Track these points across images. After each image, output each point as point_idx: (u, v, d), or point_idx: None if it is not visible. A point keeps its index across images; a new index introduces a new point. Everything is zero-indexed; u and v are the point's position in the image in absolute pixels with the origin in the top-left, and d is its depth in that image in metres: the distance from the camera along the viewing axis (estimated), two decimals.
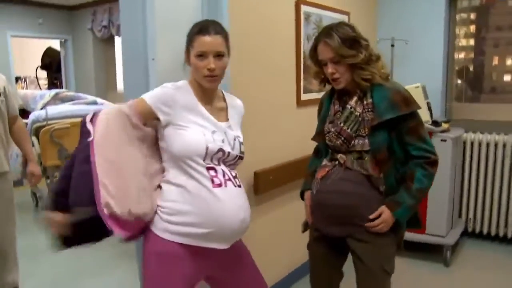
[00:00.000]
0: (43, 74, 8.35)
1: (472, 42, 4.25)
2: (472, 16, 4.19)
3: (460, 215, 3.92)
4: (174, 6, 2.17)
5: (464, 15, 4.18)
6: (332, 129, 1.86)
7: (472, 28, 4.24)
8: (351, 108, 1.82)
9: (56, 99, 4.84)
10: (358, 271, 1.88)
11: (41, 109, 4.56)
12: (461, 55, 4.26)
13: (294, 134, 3.06)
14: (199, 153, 1.60)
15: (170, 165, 1.67)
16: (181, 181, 1.63)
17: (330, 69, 1.77)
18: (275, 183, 2.83)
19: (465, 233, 3.90)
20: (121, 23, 2.14)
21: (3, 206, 2.73)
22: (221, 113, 1.77)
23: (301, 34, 3.03)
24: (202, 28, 1.62)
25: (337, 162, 1.86)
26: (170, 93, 1.63)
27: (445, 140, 3.35)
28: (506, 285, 3.15)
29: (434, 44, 3.96)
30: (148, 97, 1.64)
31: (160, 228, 1.64)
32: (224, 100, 1.81)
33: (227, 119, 1.77)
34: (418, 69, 3.92)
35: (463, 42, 4.25)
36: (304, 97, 3.13)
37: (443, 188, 3.37)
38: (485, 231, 3.86)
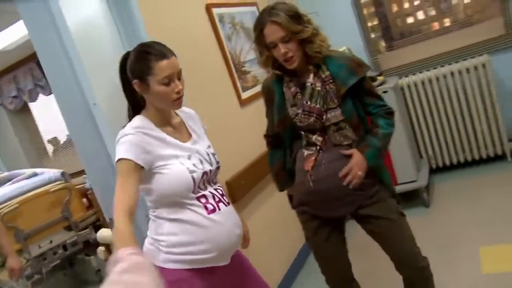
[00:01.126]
0: None
1: None
2: None
3: (421, 156, 4.07)
4: (93, 43, 2.10)
5: None
6: (299, 110, 1.83)
7: None
8: (311, 85, 1.81)
9: None
10: (380, 228, 1.90)
11: None
12: (365, 11, 4.42)
13: (246, 133, 3.04)
14: (188, 187, 1.58)
15: (160, 203, 1.62)
16: (176, 215, 1.60)
17: (282, 49, 1.73)
18: (248, 186, 2.82)
19: (431, 171, 4.05)
20: (49, 80, 2.03)
21: None
22: (182, 129, 1.73)
23: (221, 36, 3.03)
24: (157, 52, 1.54)
25: (317, 147, 1.85)
26: (140, 139, 1.54)
27: (386, 91, 3.46)
28: (484, 202, 3.32)
29: (343, 7, 4.12)
30: (126, 154, 1.50)
31: (162, 260, 1.60)
32: (177, 114, 1.77)
33: (190, 135, 1.73)
34: (337, 34, 3.98)
35: None
36: (245, 95, 3.13)
37: (400, 136, 3.47)
38: (447, 163, 4.03)
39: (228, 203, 1.71)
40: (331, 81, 1.80)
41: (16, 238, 3.95)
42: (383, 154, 1.88)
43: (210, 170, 1.66)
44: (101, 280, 4.34)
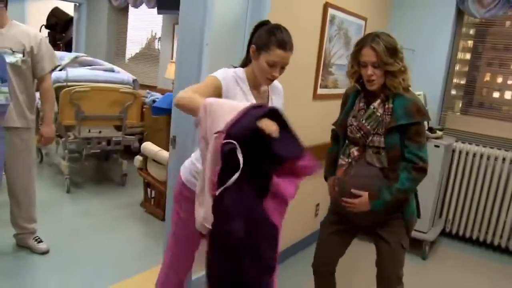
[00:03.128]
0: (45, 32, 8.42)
1: (468, 56, 4.57)
2: (472, 31, 4.49)
3: (440, 215, 4.30)
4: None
5: (464, 30, 4.46)
6: (355, 123, 2.15)
7: (470, 43, 4.54)
8: (374, 108, 2.11)
9: (74, 62, 5.04)
10: (381, 249, 2.23)
11: (60, 70, 4.75)
12: (457, 67, 4.58)
13: (311, 124, 3.38)
14: None
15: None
16: None
17: (369, 71, 2.03)
18: None
19: (443, 233, 4.29)
20: (181, 5, 2.38)
21: (22, 157, 3.01)
22: (264, 97, 2.05)
23: (325, 34, 3.32)
24: (283, 43, 1.85)
25: (350, 159, 2.17)
26: (233, 81, 1.89)
27: (438, 146, 3.71)
28: (474, 280, 3.55)
29: (438, 55, 4.28)
30: (217, 75, 1.86)
31: (186, 179, 1.98)
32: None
33: (268, 103, 2.05)
34: (421, 77, 4.21)
35: (460, 55, 4.57)
36: (320, 91, 3.44)
37: (430, 189, 3.73)
38: (461, 233, 4.25)
39: None
40: (389, 113, 2.08)
41: (75, 115, 4.42)
42: (390, 206, 2.07)
43: None
44: (123, 184, 4.80)
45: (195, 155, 2.02)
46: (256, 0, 2.61)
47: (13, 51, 2.80)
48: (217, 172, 1.46)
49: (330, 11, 3.33)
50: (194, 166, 1.98)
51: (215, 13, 2.33)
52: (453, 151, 4.17)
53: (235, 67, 1.98)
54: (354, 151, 2.16)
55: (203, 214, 1.53)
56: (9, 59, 2.76)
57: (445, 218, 4.30)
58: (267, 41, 1.85)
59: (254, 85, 1.98)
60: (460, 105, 4.59)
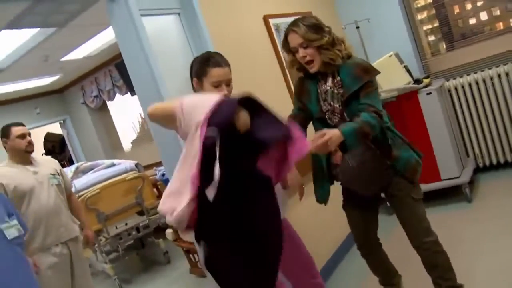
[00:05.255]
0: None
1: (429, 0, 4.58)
2: None
3: (468, 155, 4.24)
4: (168, 50, 2.55)
5: None
6: (329, 107, 2.17)
7: None
8: (330, 88, 2.15)
9: (78, 173, 5.20)
10: (395, 210, 2.28)
11: None
12: (424, 15, 4.60)
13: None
14: None
15: None
16: None
17: (301, 53, 2.10)
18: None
19: (478, 170, 4.22)
20: (132, 80, 2.51)
21: (82, 266, 3.17)
22: None
23: (277, 44, 3.40)
24: (214, 61, 1.96)
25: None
26: None
27: (430, 93, 3.70)
28: None
29: (393, 14, 4.31)
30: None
31: None
32: None
33: None
34: (387, 40, 4.26)
35: (421, 2, 4.59)
36: None
37: (443, 135, 3.70)
38: (494, 162, 4.17)
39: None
40: (340, 85, 2.12)
41: (98, 219, 4.53)
42: (360, 134, 1.95)
43: None
44: (168, 261, 4.85)
45: None
46: (197, 41, 2.72)
47: (54, 175, 3.13)
48: (197, 164, 1.42)
49: (272, 21, 3.42)
50: None
51: (163, 69, 2.44)
52: (449, 90, 4.15)
53: None
54: None
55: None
56: (54, 181, 3.10)
57: (474, 155, 4.23)
58: (203, 67, 1.95)
59: None
60: (444, 45, 4.60)
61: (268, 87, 3.21)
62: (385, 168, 2.16)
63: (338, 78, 2.12)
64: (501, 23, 4.36)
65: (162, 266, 5.00)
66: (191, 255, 4.32)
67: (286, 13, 3.62)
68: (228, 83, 2.00)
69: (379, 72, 2.13)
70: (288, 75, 3.44)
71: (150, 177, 5.42)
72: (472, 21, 4.52)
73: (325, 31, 2.09)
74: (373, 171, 2.14)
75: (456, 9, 4.59)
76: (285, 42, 2.18)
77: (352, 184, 2.25)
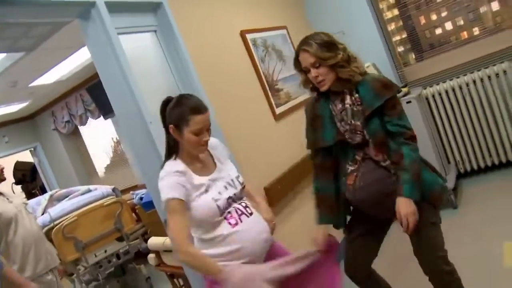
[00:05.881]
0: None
1: (396, 11, 4.64)
2: None
3: (449, 162, 4.26)
4: (147, 69, 2.47)
5: None
6: (347, 127, 2.03)
7: None
8: (350, 106, 2.03)
9: (52, 201, 4.99)
10: (411, 236, 2.07)
11: (42, 214, 4.71)
12: (392, 26, 4.66)
13: (281, 144, 3.37)
14: (214, 213, 1.87)
15: (195, 226, 1.93)
16: (208, 235, 1.91)
17: (313, 73, 1.99)
18: (284, 191, 3.13)
19: (460, 176, 4.24)
20: (112, 102, 2.40)
21: None
22: (209, 160, 2.02)
23: (255, 58, 3.36)
24: (194, 108, 1.84)
25: (357, 164, 2.06)
26: (180, 180, 1.83)
27: (410, 102, 3.71)
28: (508, 204, 3.45)
29: (367, 25, 4.34)
30: (173, 194, 1.80)
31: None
32: None
33: (215, 164, 2.02)
34: (363, 51, 4.23)
35: (388, 15, 4.65)
36: (278, 110, 3.44)
37: (426, 144, 3.71)
38: (475, 167, 4.20)
39: (251, 213, 1.97)
40: (359, 103, 2.00)
41: (76, 248, 4.34)
42: (416, 180, 1.93)
43: (235, 193, 1.95)
44: (151, 286, 4.68)
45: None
46: (177, 60, 2.65)
47: (26, 204, 3.15)
48: None
49: (249, 36, 3.38)
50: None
51: (145, 92, 2.35)
52: (426, 98, 4.18)
53: (162, 166, 1.93)
54: (357, 156, 2.06)
55: None
56: (29, 209, 3.16)
57: (455, 162, 4.25)
58: (182, 115, 1.83)
59: (193, 161, 1.95)
60: (414, 56, 4.65)
61: (248, 102, 3.16)
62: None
63: (357, 95, 2.02)
64: (465, 32, 4.44)
65: None
66: (175, 279, 4.18)
67: (262, 28, 3.60)
68: (208, 128, 1.90)
69: (399, 87, 2.05)
70: (268, 89, 3.39)
71: (128, 201, 5.26)
72: (438, 31, 4.59)
73: (339, 48, 1.98)
74: (383, 191, 2.02)
75: (422, 20, 4.66)
76: (297, 62, 2.07)
77: (361, 204, 2.11)
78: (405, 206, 1.91)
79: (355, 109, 2.01)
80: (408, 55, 4.69)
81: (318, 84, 2.03)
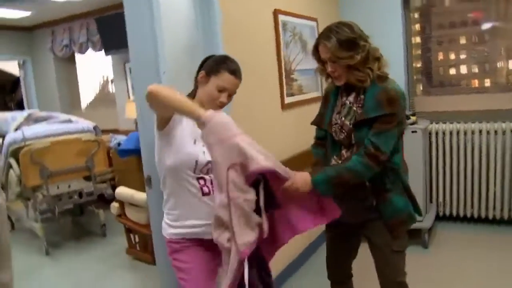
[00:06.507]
0: None
1: (418, 39, 4.59)
2: (417, 15, 4.50)
3: (431, 201, 4.24)
4: (173, 20, 2.32)
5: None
6: (338, 121, 2.01)
7: (418, 26, 4.55)
8: (350, 103, 1.98)
9: (29, 120, 4.80)
10: (371, 252, 2.10)
11: (16, 130, 4.53)
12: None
13: (284, 135, 3.29)
14: (190, 164, 1.81)
15: (167, 177, 1.89)
16: (177, 193, 1.87)
17: (329, 67, 1.93)
18: None
19: (437, 217, 4.22)
20: (130, 41, 2.25)
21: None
22: None
23: (280, 41, 3.24)
24: (233, 69, 1.85)
25: (341, 161, 2.01)
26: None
27: (415, 131, 3.65)
28: (478, 259, 3.47)
29: (394, 43, 4.25)
30: None
31: (167, 233, 1.94)
32: None
33: None
34: None
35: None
36: (288, 100, 3.34)
37: (418, 176, 3.66)
38: (454, 213, 4.19)
39: None
40: (360, 105, 1.95)
41: (40, 174, 4.20)
42: (335, 183, 1.88)
43: None
44: (104, 234, 4.60)
45: (163, 205, 1.98)
46: (206, 18, 2.52)
47: None
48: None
49: (281, 17, 3.26)
50: (167, 217, 1.96)
51: (166, 39, 2.22)
52: (430, 133, 4.13)
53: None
54: (344, 152, 2.02)
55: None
56: None
57: (436, 202, 4.24)
58: (218, 66, 1.85)
59: None
60: (421, 87, 4.61)
61: (261, 82, 3.05)
62: (367, 206, 2.00)
63: (362, 96, 1.94)
64: (476, 81, 4.42)
65: (97, 238, 4.71)
66: (131, 235, 4.08)
67: (295, 13, 3.48)
68: (232, 94, 1.89)
69: (404, 108, 1.94)
70: (284, 76, 3.29)
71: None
72: (452, 71, 4.55)
73: (360, 46, 1.86)
74: (355, 196, 1.99)
75: (440, 56, 4.61)
76: (315, 51, 1.99)
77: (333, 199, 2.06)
78: (303, 182, 1.86)
79: (353, 108, 1.96)
80: (416, 85, 4.64)
81: (334, 79, 1.98)
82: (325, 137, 2.15)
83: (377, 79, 1.90)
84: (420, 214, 2.12)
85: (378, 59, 1.92)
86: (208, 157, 1.80)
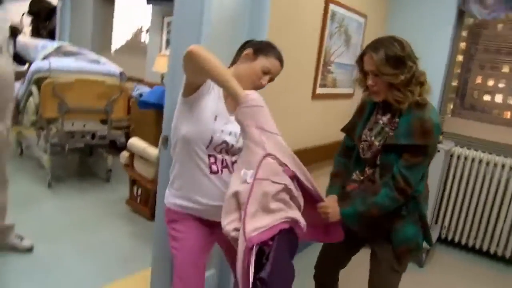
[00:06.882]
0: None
1: (460, 58, 4.46)
2: (464, 33, 4.36)
3: (436, 222, 4.19)
4: None
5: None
6: (368, 139, 1.96)
7: (463, 45, 4.43)
8: (382, 124, 1.91)
9: (58, 52, 4.77)
10: (371, 265, 2.07)
11: (43, 59, 4.52)
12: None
13: (310, 124, 3.26)
14: (205, 139, 1.75)
15: (179, 147, 1.82)
16: (184, 161, 1.81)
17: (370, 80, 1.84)
18: None
19: (438, 239, 4.18)
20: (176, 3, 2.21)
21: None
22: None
23: (326, 31, 3.16)
24: (280, 57, 1.86)
25: (362, 178, 1.98)
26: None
27: (438, 151, 3.58)
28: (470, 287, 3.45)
29: (438, 57, 4.10)
30: None
31: (169, 202, 1.89)
32: None
33: None
34: None
35: None
36: (319, 91, 3.28)
37: (430, 194, 3.59)
38: (456, 239, 4.14)
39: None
40: (393, 128, 1.87)
41: (58, 108, 4.20)
42: (362, 216, 1.90)
43: (232, 145, 1.79)
44: (108, 180, 4.62)
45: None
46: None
47: None
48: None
49: (331, 6, 3.17)
50: (171, 185, 1.92)
51: (214, 3, 2.16)
52: (451, 155, 4.06)
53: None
54: (367, 170, 1.97)
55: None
56: None
57: (441, 225, 4.18)
58: (268, 49, 1.84)
59: None
60: (452, 107, 4.50)
61: (297, 68, 2.99)
62: (380, 226, 1.97)
63: (397, 120, 1.86)
64: (509, 113, 4.31)
65: (100, 182, 4.75)
66: (135, 187, 4.09)
67: (346, 5, 3.38)
68: (273, 79, 1.88)
69: (435, 144, 1.86)
70: (321, 66, 3.22)
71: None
72: (487, 97, 4.44)
73: (407, 67, 1.78)
74: (367, 218, 1.95)
75: (478, 79, 4.49)
76: (360, 61, 1.91)
77: None
78: (333, 212, 1.88)
79: (386, 129, 1.89)
80: (447, 104, 4.53)
81: (372, 93, 1.89)
82: (353, 147, 2.10)
83: (415, 105, 1.81)
84: (430, 244, 2.09)
85: (421, 84, 1.83)
86: (225, 138, 1.77)
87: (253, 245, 1.34)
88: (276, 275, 1.36)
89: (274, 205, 1.44)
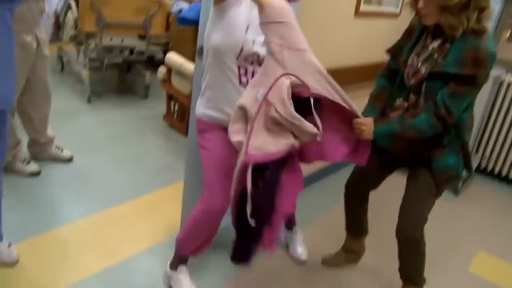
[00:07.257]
0: None
1: None
2: None
3: (477, 151, 4.06)
4: None
5: None
6: (415, 64, 1.83)
7: None
8: (432, 49, 1.78)
9: None
10: (408, 184, 2.02)
11: None
12: None
13: (351, 43, 3.12)
14: (235, 48, 1.71)
15: (211, 57, 1.79)
16: (214, 71, 1.79)
17: (420, 3, 1.69)
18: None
19: (477, 168, 4.08)
20: None
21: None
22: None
23: None
24: None
25: (406, 105, 1.89)
26: None
27: None
28: (503, 220, 3.40)
29: None
30: None
31: (199, 113, 1.91)
32: None
33: None
34: None
35: None
36: (363, 8, 3.09)
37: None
38: (496, 170, 4.02)
39: None
40: (443, 55, 1.73)
41: (97, 22, 4.16)
42: (396, 136, 1.86)
43: (263, 57, 1.70)
44: (146, 96, 4.64)
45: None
46: None
47: None
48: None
49: None
50: (202, 95, 1.91)
51: None
52: (501, 83, 3.84)
53: None
54: (411, 96, 1.87)
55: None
56: None
57: (482, 154, 4.06)
58: None
59: None
60: (508, 34, 4.18)
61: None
62: (418, 154, 1.93)
63: (448, 46, 1.72)
64: None
65: (137, 98, 4.79)
66: (172, 102, 4.11)
67: None
68: None
69: (487, 76, 1.69)
70: None
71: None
72: None
73: None
74: (406, 143, 1.91)
75: None
76: None
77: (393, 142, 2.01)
78: (369, 130, 1.80)
79: (434, 56, 1.76)
80: (503, 29, 4.21)
81: (422, 16, 1.73)
82: (397, 71, 1.98)
83: (471, 32, 1.64)
84: (470, 172, 2.03)
85: (482, 9, 1.63)
86: (256, 48, 1.71)
87: (249, 163, 1.39)
88: (263, 197, 1.45)
89: (276, 129, 1.45)
